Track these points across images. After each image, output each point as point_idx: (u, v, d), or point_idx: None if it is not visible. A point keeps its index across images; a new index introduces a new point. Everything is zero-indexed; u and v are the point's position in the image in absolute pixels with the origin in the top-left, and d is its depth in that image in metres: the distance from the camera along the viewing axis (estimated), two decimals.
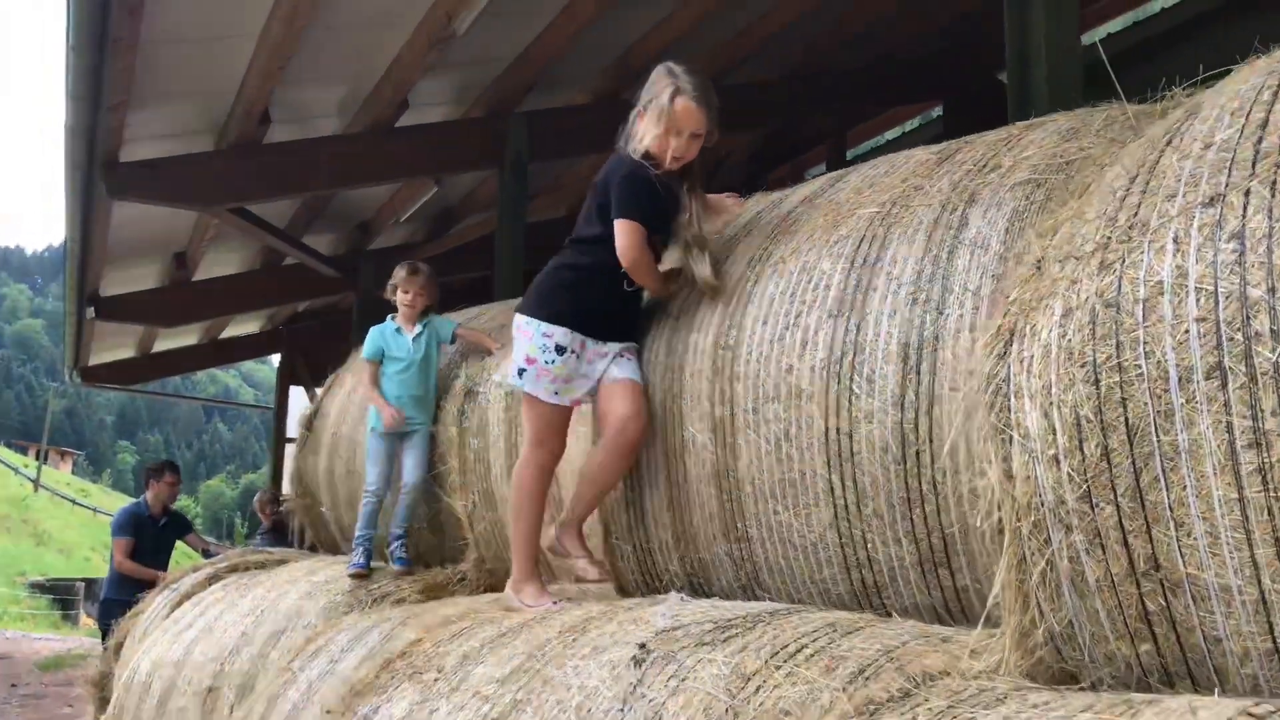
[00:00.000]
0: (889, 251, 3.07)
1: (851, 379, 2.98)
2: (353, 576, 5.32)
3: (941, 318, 2.85)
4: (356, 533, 5.50)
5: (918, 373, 2.85)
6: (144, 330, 15.28)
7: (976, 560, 2.76)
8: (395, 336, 5.63)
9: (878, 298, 3.01)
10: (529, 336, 3.61)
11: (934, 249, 2.97)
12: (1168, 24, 8.59)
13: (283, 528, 9.94)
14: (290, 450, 8.57)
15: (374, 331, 5.68)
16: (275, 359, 18.35)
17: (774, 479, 3.16)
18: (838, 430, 3.00)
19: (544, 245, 10.54)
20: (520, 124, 9.71)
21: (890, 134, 13.75)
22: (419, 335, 5.64)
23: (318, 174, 9.60)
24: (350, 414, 6.48)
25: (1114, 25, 9.85)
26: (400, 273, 5.73)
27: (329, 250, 12.89)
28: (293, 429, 10.76)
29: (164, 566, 8.93)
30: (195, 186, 9.01)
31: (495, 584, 5.14)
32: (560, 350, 3.57)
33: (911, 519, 2.86)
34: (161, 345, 16.74)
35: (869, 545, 2.97)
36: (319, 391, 7.31)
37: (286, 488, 7.61)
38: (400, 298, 5.68)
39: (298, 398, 16.50)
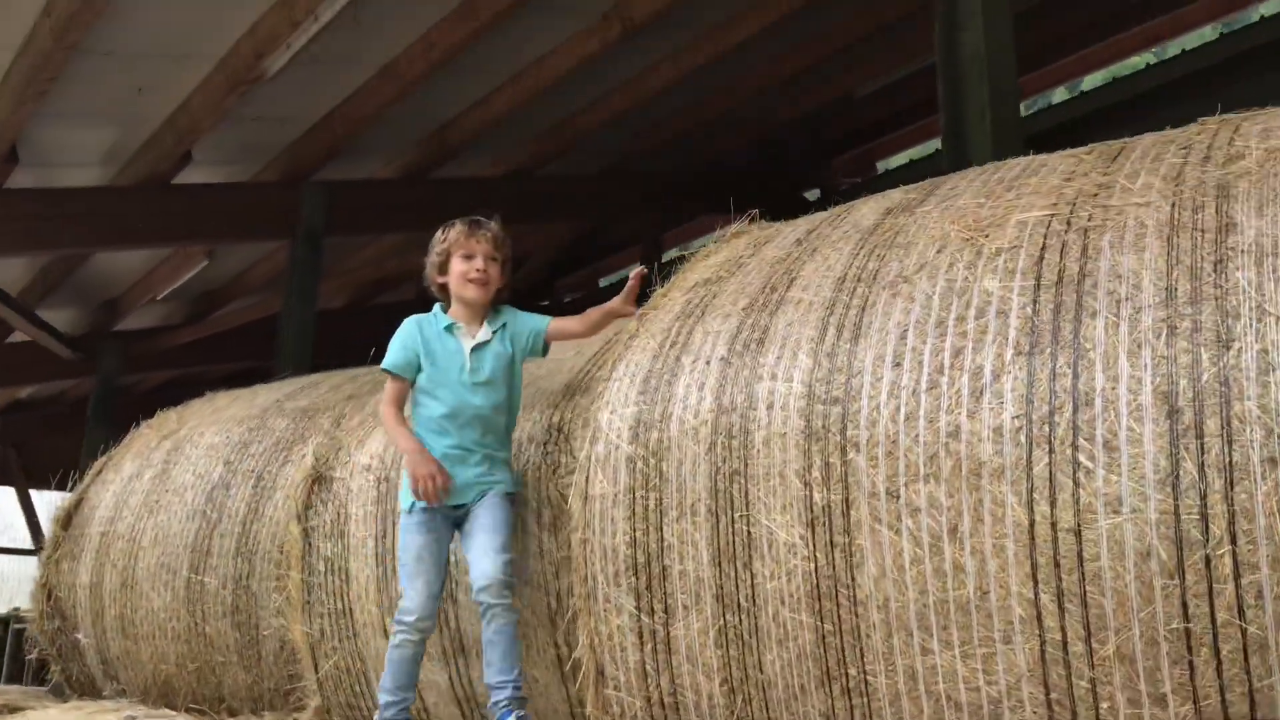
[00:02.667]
0: (1101, 263, 2.09)
1: (1075, 445, 1.95)
2: None
3: (1228, 353, 1.88)
4: (383, 697, 3.01)
5: (1199, 435, 1.86)
6: None
7: None
8: (444, 338, 3.14)
9: (1102, 326, 2.01)
10: None
11: (1184, 258, 2.02)
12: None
13: None
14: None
15: (409, 325, 3.19)
16: None
17: (927, 601, 2.06)
18: (1053, 525, 1.95)
19: (327, 336, 9.32)
20: (318, 193, 8.51)
21: (705, 240, 13.20)
22: (490, 338, 3.16)
23: (68, 231, 7.88)
24: (131, 505, 4.85)
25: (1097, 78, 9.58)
26: (454, 231, 3.19)
27: (66, 327, 10.87)
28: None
29: None
30: None
31: None
32: None
33: (1191, 664, 1.83)
34: None
35: (1102, 705, 1.91)
36: (65, 491, 5.54)
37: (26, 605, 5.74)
38: (456, 270, 3.15)
39: (7, 499, 13.98)
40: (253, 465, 4.63)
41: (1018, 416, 2.02)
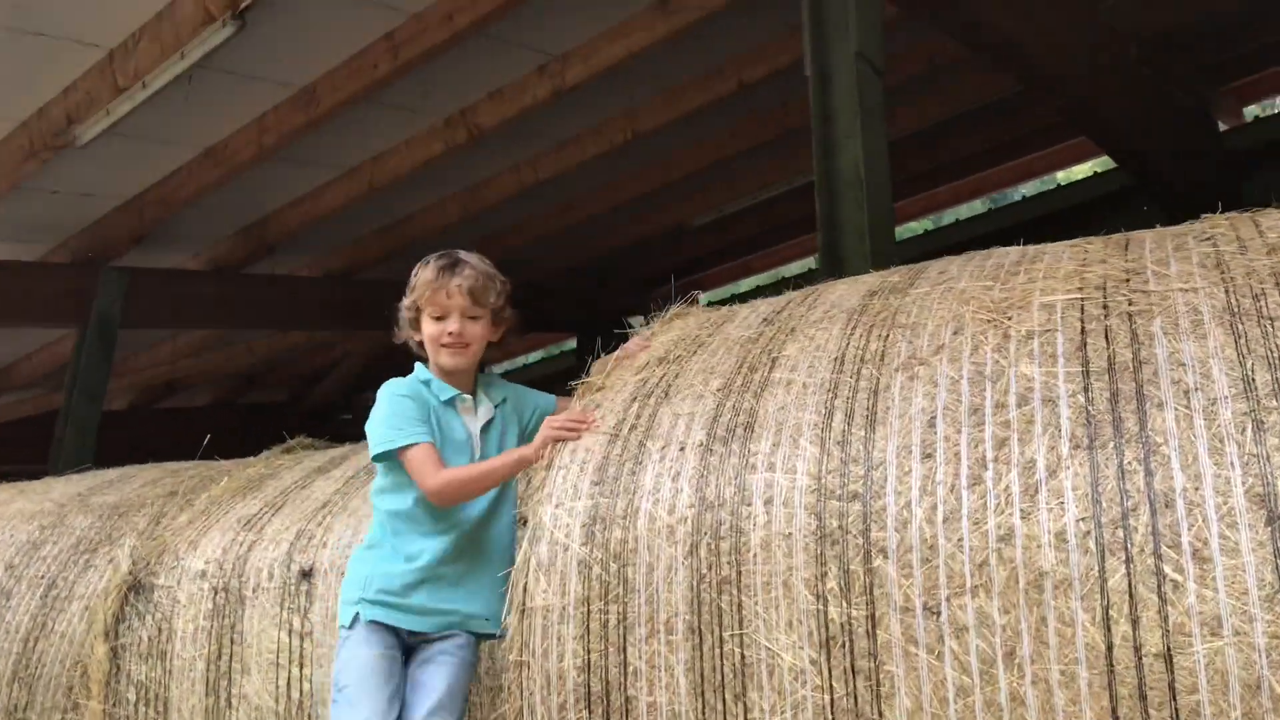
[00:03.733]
0: (1157, 350, 1.86)
1: (1157, 554, 1.67)
2: None
3: None
4: None
5: None
6: None
7: None
8: (446, 413, 2.52)
9: (1172, 418, 1.76)
10: None
11: (1255, 347, 1.80)
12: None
13: None
14: None
15: (405, 389, 2.53)
16: None
17: None
18: (1137, 649, 1.64)
19: (108, 441, 8.29)
20: (116, 280, 7.79)
21: (531, 357, 12.91)
22: (494, 416, 2.59)
23: None
24: None
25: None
26: (422, 278, 2.57)
27: None
28: None
29: None
30: None
31: None
32: None
33: None
34: None
35: None
36: None
37: None
38: (427, 331, 2.56)
39: None
40: (42, 570, 3.86)
41: (1084, 519, 1.73)
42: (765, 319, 2.43)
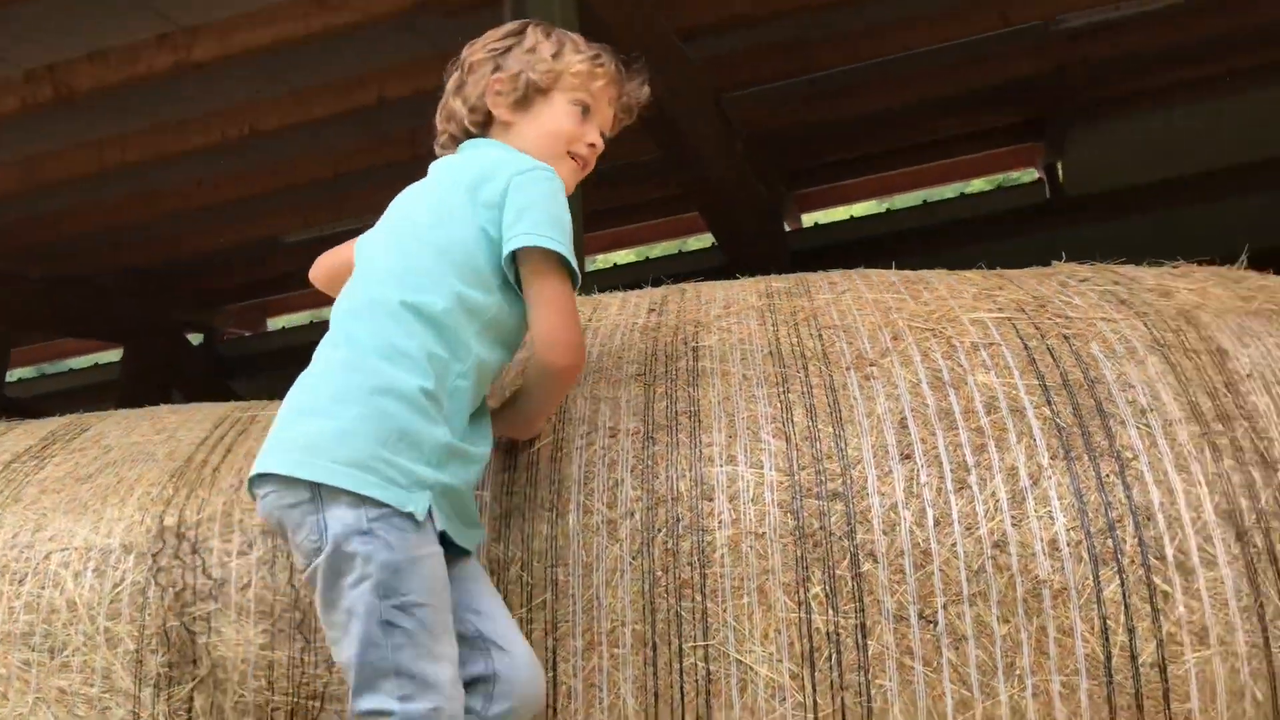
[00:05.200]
0: (1105, 371, 1.91)
1: (1146, 565, 1.68)
2: None
3: (1277, 475, 1.78)
4: None
5: (1273, 560, 1.70)
6: None
7: None
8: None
9: (1136, 434, 1.81)
10: None
11: (1191, 375, 1.91)
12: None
13: None
14: None
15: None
16: None
17: None
18: (1134, 658, 1.63)
19: None
20: None
21: (70, 364, 11.24)
22: None
23: None
24: None
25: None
26: (596, 64, 1.87)
27: None
28: None
29: None
30: None
31: None
32: None
33: None
34: None
35: None
36: None
37: None
38: (564, 124, 1.87)
39: None
40: None
41: (1073, 529, 1.71)
42: (651, 308, 2.22)
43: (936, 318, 2.04)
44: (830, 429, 1.82)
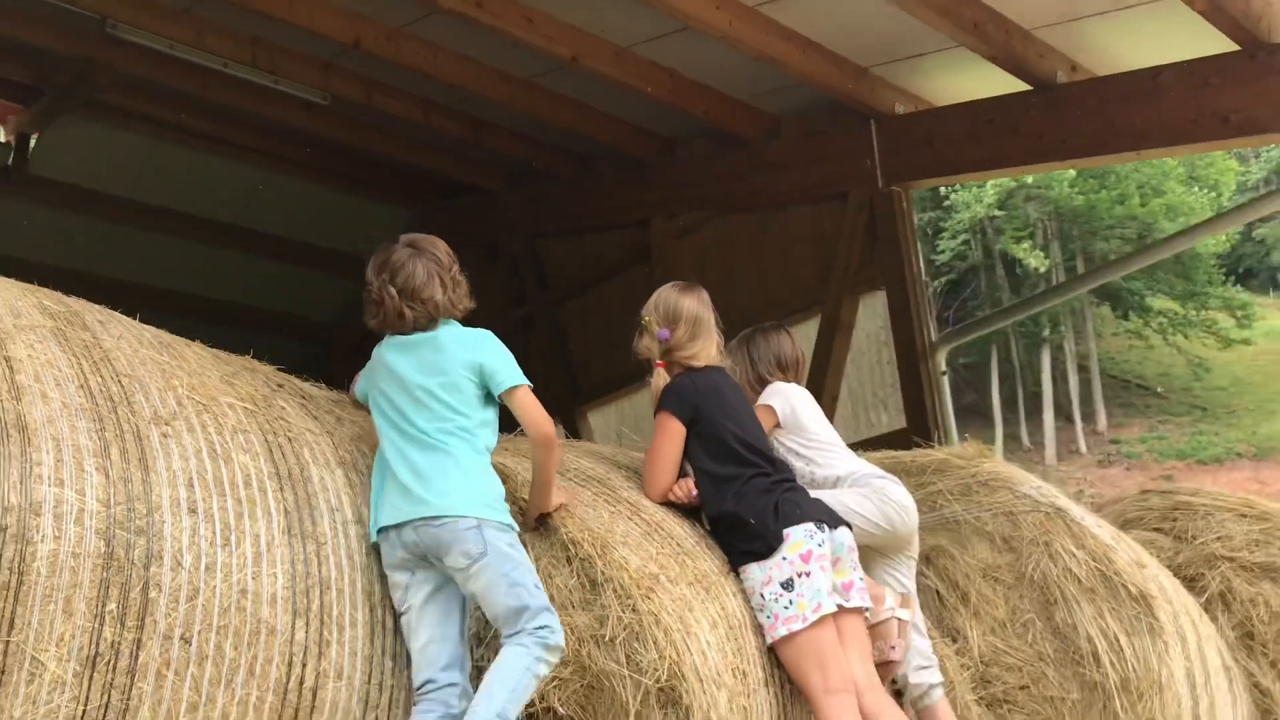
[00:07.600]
0: (313, 472, 2.63)
1: (323, 620, 2.44)
2: None
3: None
4: None
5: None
6: None
7: None
8: None
9: (327, 524, 2.57)
10: None
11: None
12: None
13: None
14: None
15: None
16: None
17: None
18: (301, 683, 2.36)
19: None
20: None
21: None
22: None
23: None
24: None
25: None
26: None
27: None
28: None
29: None
30: None
31: None
32: None
33: None
34: None
35: None
36: None
37: None
38: None
39: None
40: None
41: (288, 587, 2.38)
42: None
43: (203, 394, 2.54)
44: (140, 474, 2.21)
